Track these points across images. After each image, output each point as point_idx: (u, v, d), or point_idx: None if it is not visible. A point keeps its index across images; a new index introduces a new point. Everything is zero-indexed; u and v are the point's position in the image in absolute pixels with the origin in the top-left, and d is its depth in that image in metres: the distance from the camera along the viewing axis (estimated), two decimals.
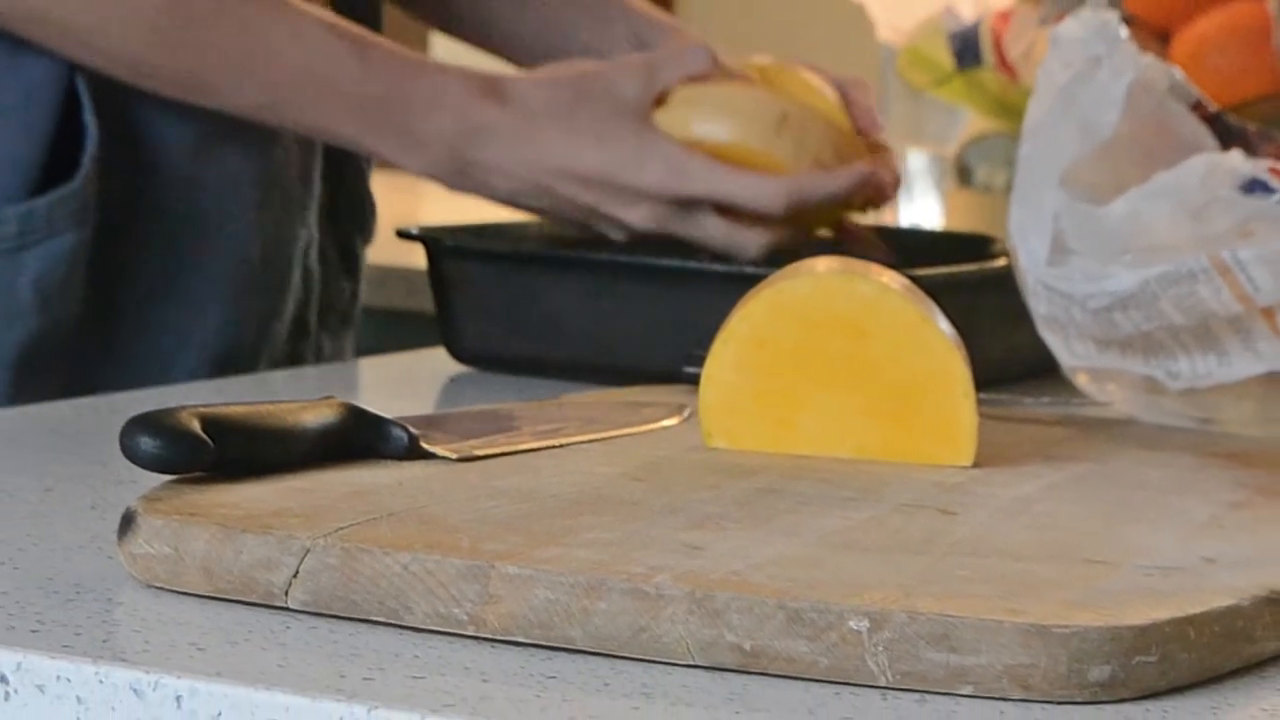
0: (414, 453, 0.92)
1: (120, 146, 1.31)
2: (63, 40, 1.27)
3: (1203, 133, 1.17)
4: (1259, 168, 1.10)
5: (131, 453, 0.85)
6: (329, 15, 1.32)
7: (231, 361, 1.36)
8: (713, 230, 1.33)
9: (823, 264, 1.01)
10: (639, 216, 1.32)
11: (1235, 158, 1.11)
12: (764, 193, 1.32)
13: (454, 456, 0.93)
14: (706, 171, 1.32)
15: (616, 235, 1.34)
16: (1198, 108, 1.18)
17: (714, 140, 1.33)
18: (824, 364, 0.98)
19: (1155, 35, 1.82)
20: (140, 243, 1.32)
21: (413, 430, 0.93)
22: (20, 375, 1.27)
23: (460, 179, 1.33)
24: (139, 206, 1.32)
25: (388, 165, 1.36)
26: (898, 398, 0.97)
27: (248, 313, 1.37)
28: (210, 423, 0.86)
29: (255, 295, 1.37)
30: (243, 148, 1.34)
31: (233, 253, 1.35)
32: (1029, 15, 1.84)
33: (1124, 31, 1.15)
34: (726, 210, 1.33)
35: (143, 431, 0.85)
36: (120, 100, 1.30)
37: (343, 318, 1.49)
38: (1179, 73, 1.17)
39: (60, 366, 1.29)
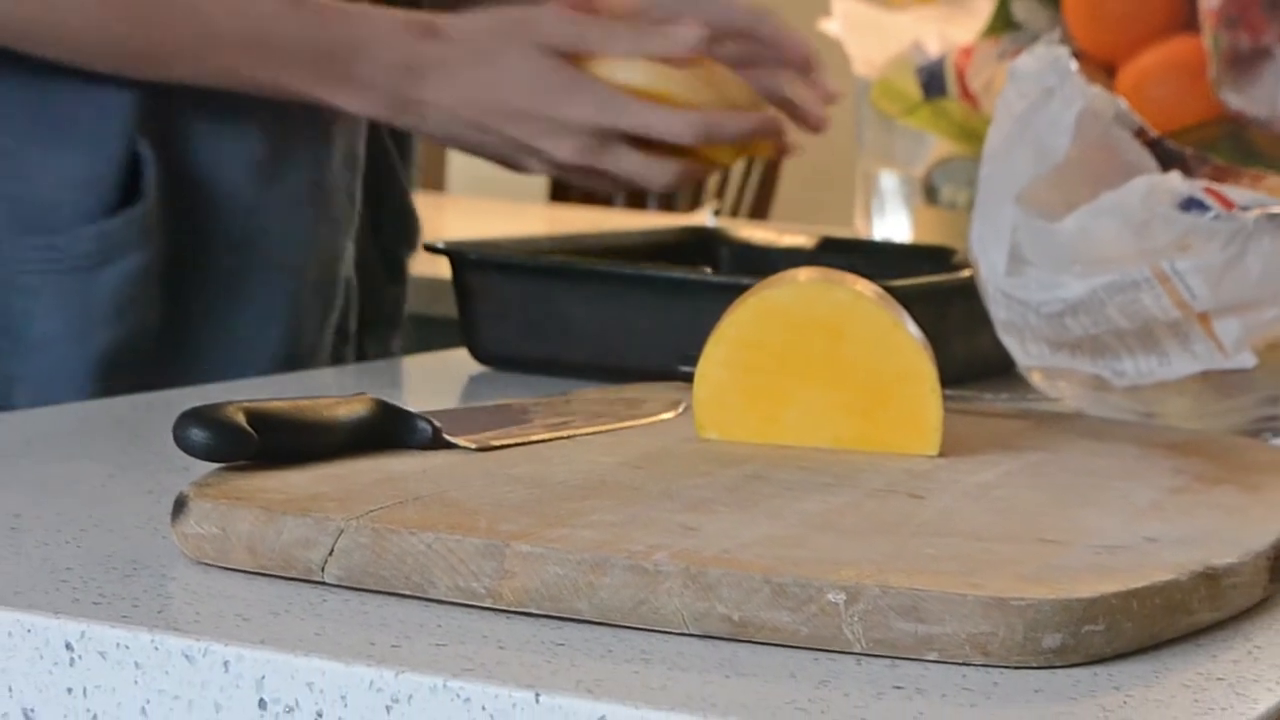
0: (437, 443, 0.92)
1: (186, 176, 1.30)
2: (19, 36, 1.25)
3: (1145, 156, 1.17)
4: (1195, 188, 1.10)
5: (184, 443, 0.85)
6: None
7: (290, 366, 1.36)
8: (628, 162, 1.33)
9: (804, 274, 1.00)
10: (565, 149, 1.31)
11: (1174, 179, 1.10)
12: (679, 124, 1.32)
13: (473, 447, 0.93)
14: (629, 105, 1.31)
15: (539, 170, 1.34)
16: (1140, 134, 1.18)
17: (635, 84, 1.34)
18: (805, 363, 0.97)
19: (1102, 69, 1.82)
20: (209, 261, 1.32)
21: (436, 423, 0.92)
22: (101, 382, 1.27)
23: (401, 116, 1.32)
24: (207, 229, 1.32)
25: (333, 108, 1.34)
26: (871, 394, 0.97)
27: (304, 322, 1.37)
28: (254, 416, 0.86)
29: (310, 306, 1.37)
30: (296, 173, 1.34)
31: (290, 268, 1.35)
32: (989, 51, 1.84)
33: (1074, 65, 1.15)
34: (642, 144, 1.33)
35: (194, 424, 0.85)
36: (182, 133, 1.30)
37: (389, 322, 1.49)
38: (1123, 102, 1.17)
39: (138, 375, 1.28)
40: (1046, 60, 1.14)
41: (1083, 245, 1.09)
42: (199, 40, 1.27)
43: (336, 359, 1.42)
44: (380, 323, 1.47)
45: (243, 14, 1.28)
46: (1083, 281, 1.09)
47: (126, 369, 1.28)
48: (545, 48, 1.32)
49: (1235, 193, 1.11)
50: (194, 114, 1.30)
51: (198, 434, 0.85)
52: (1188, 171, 1.16)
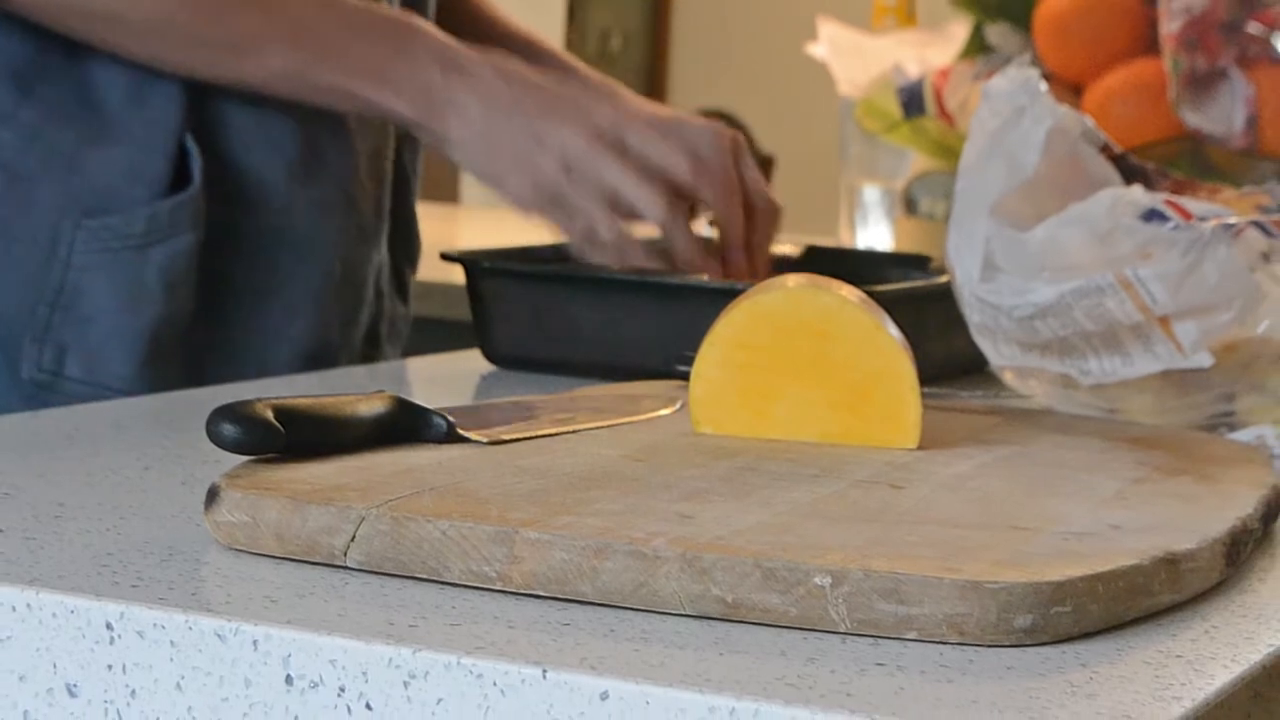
0: (452, 437, 0.92)
1: (226, 171, 1.31)
2: (87, 17, 1.25)
3: (1110, 171, 1.17)
4: (1156, 200, 1.10)
5: (216, 437, 0.85)
6: None
7: (318, 359, 1.36)
8: (617, 175, 1.28)
9: (792, 280, 1.00)
10: (581, 138, 1.28)
11: (1137, 192, 1.10)
12: (652, 199, 1.28)
13: (485, 440, 0.93)
14: (642, 129, 1.29)
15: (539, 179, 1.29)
16: (1105, 150, 1.17)
17: None
18: (794, 363, 0.97)
19: (1070, 89, 1.82)
20: (245, 255, 1.33)
21: (451, 419, 0.92)
22: (149, 356, 1.27)
23: (431, 118, 1.30)
24: (244, 226, 1.32)
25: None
26: (855, 391, 0.97)
27: (331, 318, 1.37)
28: (281, 412, 0.86)
29: (337, 304, 1.37)
30: (326, 178, 1.34)
31: (319, 267, 1.35)
32: (965, 72, 1.84)
33: (1043, 86, 1.15)
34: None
35: (225, 419, 0.85)
36: (224, 130, 1.30)
37: (397, 336, 1.49)
38: (1090, 121, 1.17)
39: (179, 354, 1.29)
40: (1018, 81, 1.14)
41: (1051, 253, 1.09)
42: (265, 33, 1.28)
43: (368, 363, 1.42)
44: (395, 333, 1.47)
45: (317, 16, 1.29)
46: (1051, 287, 1.09)
47: (169, 346, 1.28)
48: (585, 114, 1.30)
49: (1194, 205, 1.11)
50: (236, 113, 1.31)
51: (229, 429, 0.84)
52: (1149, 185, 1.16)
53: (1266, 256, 1.08)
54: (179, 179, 1.29)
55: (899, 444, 0.96)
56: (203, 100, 1.29)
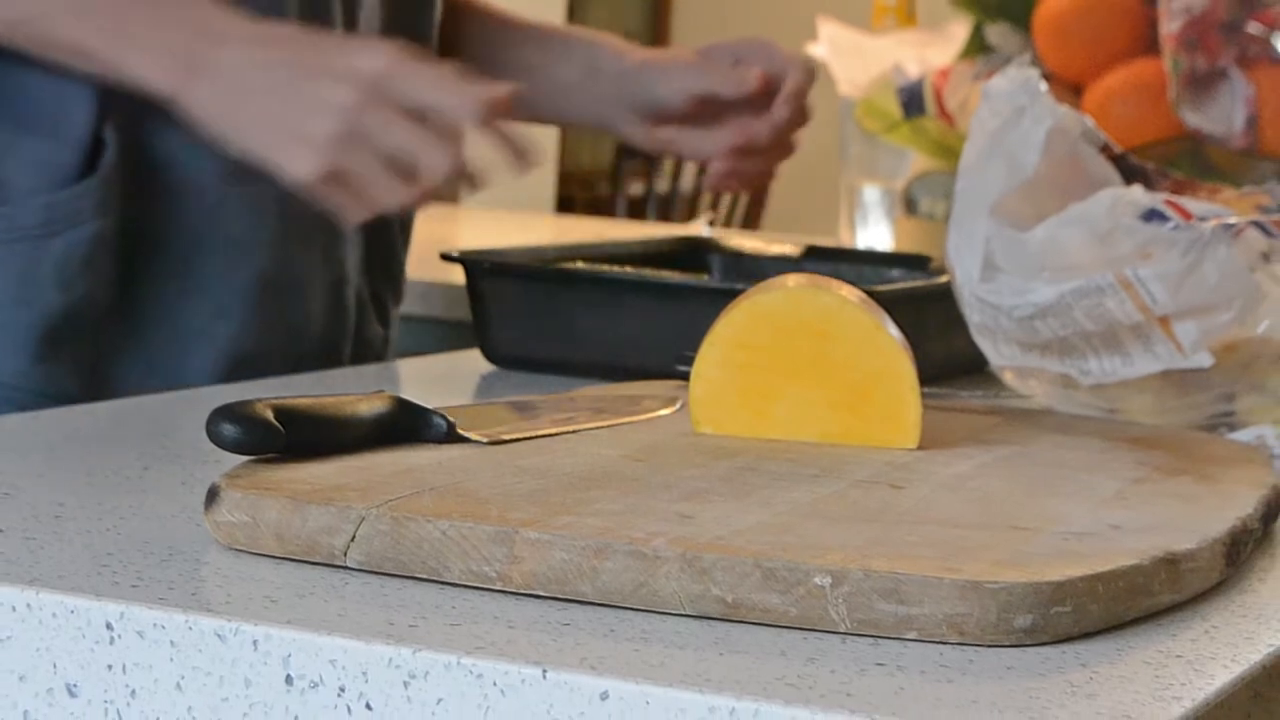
0: (452, 437, 0.92)
1: (156, 172, 1.26)
2: None
3: (1110, 171, 1.17)
4: (1156, 200, 1.10)
5: (215, 437, 0.85)
6: None
7: (246, 363, 1.30)
8: (397, 135, 1.16)
9: (792, 280, 1.00)
10: (339, 95, 1.15)
11: (1136, 192, 1.10)
12: (464, 100, 1.16)
13: (485, 440, 0.93)
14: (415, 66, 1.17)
15: (301, 153, 1.17)
16: (1105, 150, 1.17)
17: None
18: (794, 363, 0.97)
19: (1070, 89, 1.82)
20: (169, 253, 1.28)
21: (451, 418, 0.92)
22: (42, 351, 1.23)
23: (190, 81, 1.18)
24: (170, 223, 1.27)
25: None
26: (855, 391, 0.97)
27: (263, 323, 1.31)
28: (281, 412, 0.86)
29: (270, 308, 1.31)
30: (266, 181, 1.24)
31: (252, 269, 1.29)
32: (965, 72, 1.84)
33: (1043, 86, 1.15)
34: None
35: (225, 419, 0.85)
36: (150, 123, 1.25)
37: (377, 356, 1.43)
38: (1090, 120, 1.17)
39: (81, 348, 1.25)
40: (1018, 82, 1.14)
41: (1051, 253, 1.09)
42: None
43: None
44: (369, 355, 1.42)
45: None
46: (1051, 287, 1.09)
47: (70, 339, 1.24)
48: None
49: (1194, 204, 1.11)
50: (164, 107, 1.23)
51: (229, 429, 0.85)
52: (1149, 185, 1.16)
53: (1266, 256, 1.09)
54: (90, 169, 1.24)
55: (899, 444, 0.96)
56: (130, 94, 1.22)
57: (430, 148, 1.15)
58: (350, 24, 1.33)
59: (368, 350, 1.41)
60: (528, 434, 0.95)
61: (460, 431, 0.92)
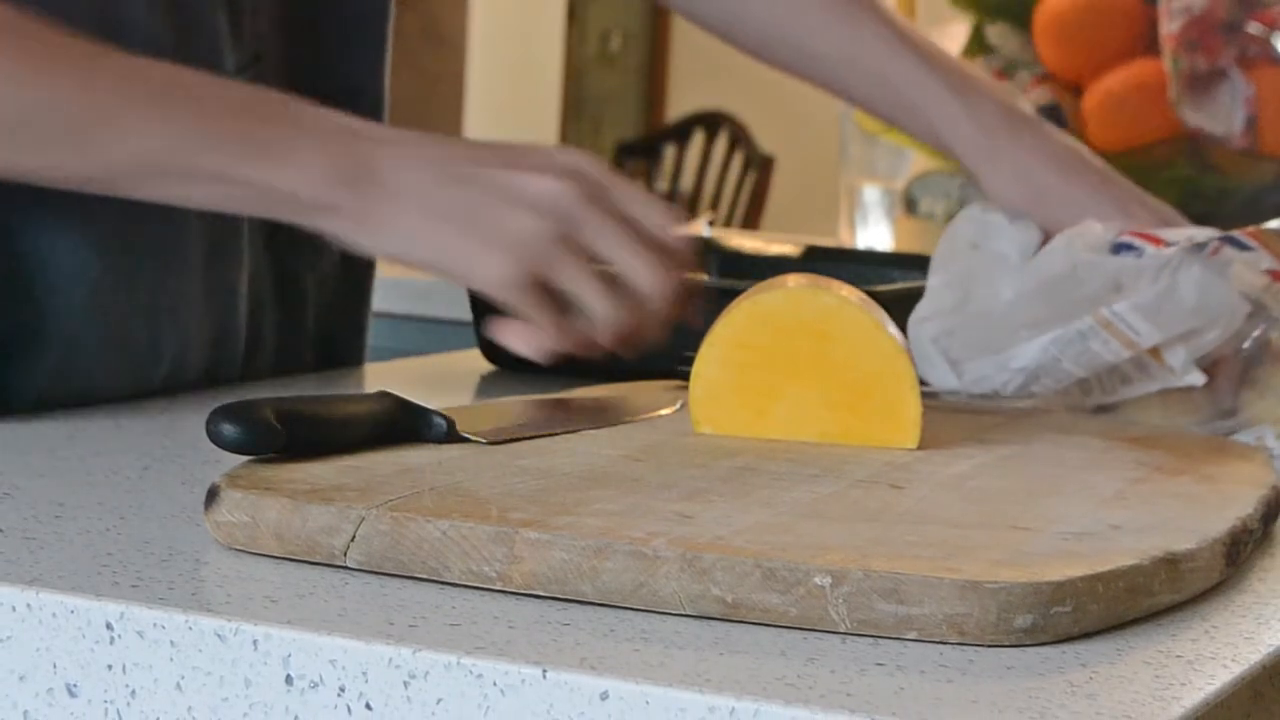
0: (452, 437, 0.92)
1: (19, 265, 1.08)
2: None
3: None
4: (1121, 233, 1.11)
5: (216, 437, 0.85)
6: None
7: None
8: (585, 282, 0.96)
9: (792, 280, 1.00)
10: (539, 186, 0.95)
11: (1090, 227, 1.12)
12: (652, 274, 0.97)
13: (485, 440, 0.93)
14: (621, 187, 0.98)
15: (489, 269, 0.96)
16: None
17: None
18: (793, 363, 0.97)
19: (1070, 89, 1.82)
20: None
21: (450, 418, 0.92)
22: None
23: (355, 187, 0.97)
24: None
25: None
26: (855, 391, 0.97)
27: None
28: (281, 412, 0.86)
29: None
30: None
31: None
32: None
33: (999, 219, 1.17)
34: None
35: (225, 419, 0.85)
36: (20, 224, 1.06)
37: (285, 350, 1.26)
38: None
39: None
40: (976, 221, 1.17)
41: (1021, 311, 1.09)
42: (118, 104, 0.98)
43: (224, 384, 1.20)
44: (269, 354, 1.25)
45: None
46: (1031, 344, 1.09)
47: None
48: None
49: (1169, 233, 1.12)
50: (33, 209, 1.06)
51: (229, 429, 0.85)
52: None
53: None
54: None
55: (899, 444, 0.96)
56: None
57: (651, 262, 0.96)
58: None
59: (277, 346, 1.25)
60: (528, 434, 0.95)
61: (460, 431, 0.92)
